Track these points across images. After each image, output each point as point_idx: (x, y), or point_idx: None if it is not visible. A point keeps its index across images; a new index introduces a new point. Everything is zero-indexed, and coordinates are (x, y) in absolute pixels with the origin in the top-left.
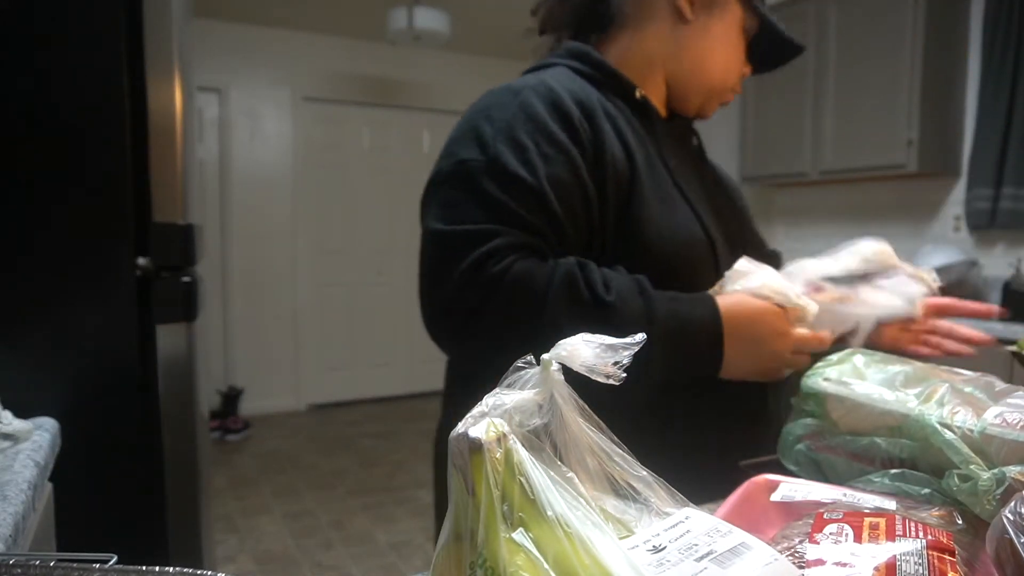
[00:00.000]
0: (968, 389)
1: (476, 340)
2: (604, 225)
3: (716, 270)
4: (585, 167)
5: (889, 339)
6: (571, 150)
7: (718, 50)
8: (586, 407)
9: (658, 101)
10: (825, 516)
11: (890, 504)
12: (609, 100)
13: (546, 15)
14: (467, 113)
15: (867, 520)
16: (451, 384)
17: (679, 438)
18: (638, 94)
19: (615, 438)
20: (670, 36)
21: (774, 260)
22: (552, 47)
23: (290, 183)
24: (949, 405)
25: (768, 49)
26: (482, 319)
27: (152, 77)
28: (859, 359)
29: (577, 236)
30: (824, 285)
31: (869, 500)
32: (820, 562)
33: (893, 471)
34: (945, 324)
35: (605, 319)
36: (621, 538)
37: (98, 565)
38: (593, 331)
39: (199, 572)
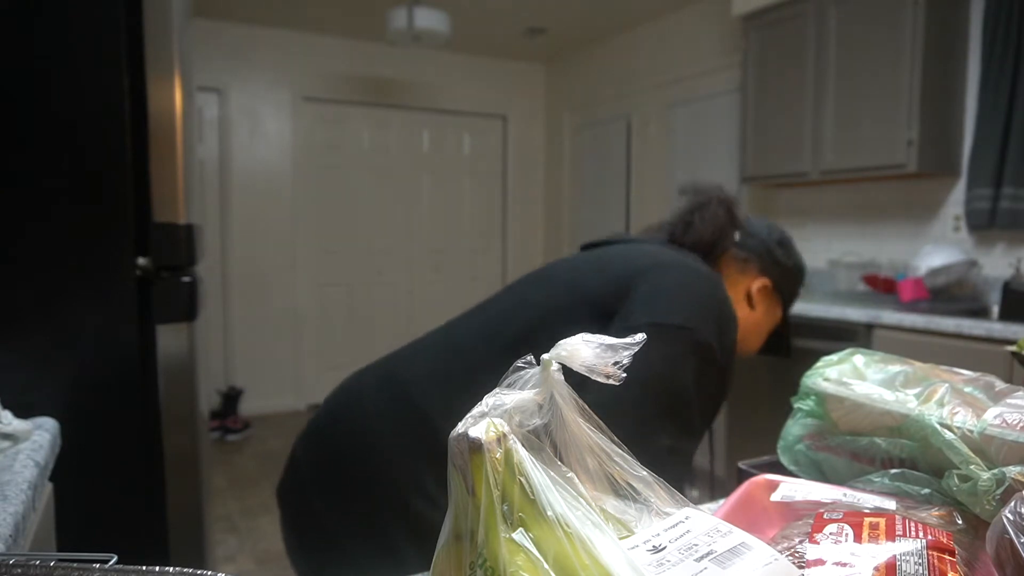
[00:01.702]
0: (968, 389)
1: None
2: None
3: None
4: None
5: None
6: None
7: (758, 334)
8: (586, 407)
9: None
10: (825, 516)
11: (890, 504)
12: None
13: (669, 236)
14: (709, 293)
15: (867, 520)
16: None
17: None
18: None
19: (615, 438)
20: (738, 310)
21: None
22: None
23: (290, 183)
24: (949, 405)
25: (771, 343)
26: None
27: (152, 77)
28: (859, 359)
29: None
30: None
31: (869, 500)
32: (820, 562)
33: (893, 471)
34: None
35: None
36: (621, 538)
37: (98, 565)
38: None
39: (199, 572)
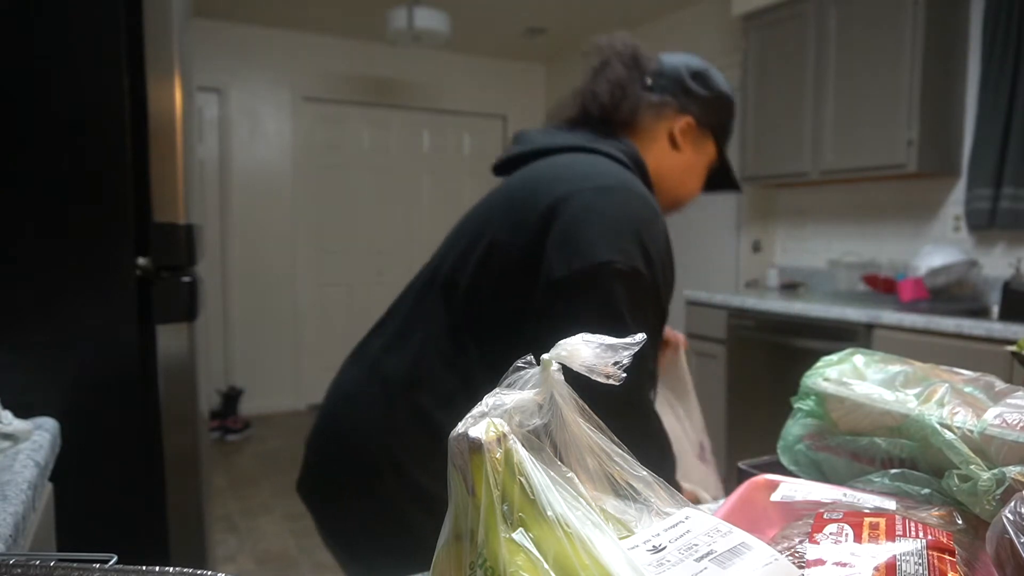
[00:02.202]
0: (968, 389)
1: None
2: None
3: None
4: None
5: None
6: (671, 289)
7: (693, 176)
8: (586, 407)
9: None
10: (825, 516)
11: (890, 504)
12: None
13: (584, 102)
14: (619, 214)
15: (867, 520)
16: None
17: None
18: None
19: (615, 438)
20: (663, 156)
21: None
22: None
23: (290, 183)
24: (949, 405)
25: (716, 180)
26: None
27: (152, 77)
28: (859, 359)
29: None
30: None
31: (869, 500)
32: (820, 562)
33: (893, 471)
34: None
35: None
36: (621, 538)
37: (98, 565)
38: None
39: (199, 572)
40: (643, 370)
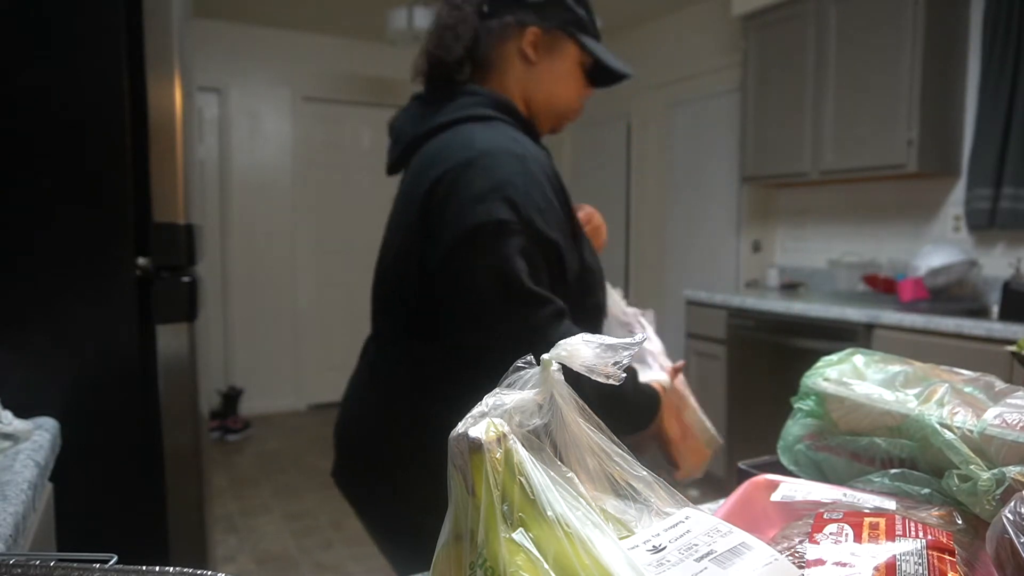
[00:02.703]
0: (968, 389)
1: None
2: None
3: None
4: (568, 225)
5: None
6: (562, 215)
7: (561, 84)
8: (586, 407)
9: None
10: (825, 516)
11: (890, 504)
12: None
13: (429, 65)
14: (482, 176)
15: (867, 520)
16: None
17: None
18: (543, 145)
19: (615, 438)
20: (524, 76)
21: None
22: (427, 78)
23: (290, 183)
24: (949, 405)
25: (603, 74)
26: None
27: (152, 77)
28: (859, 359)
29: (571, 278)
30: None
31: (869, 500)
32: (820, 562)
33: (893, 471)
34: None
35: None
36: (621, 538)
37: (98, 565)
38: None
39: (199, 572)
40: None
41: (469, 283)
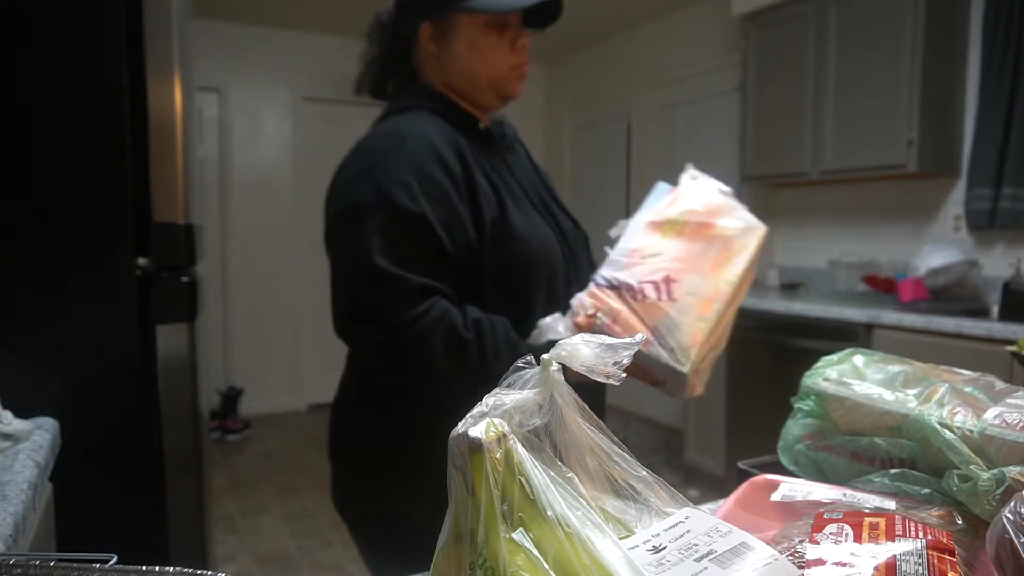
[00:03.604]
0: (968, 389)
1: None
2: (482, 242)
3: (568, 258)
4: (460, 198)
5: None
6: (447, 186)
7: (472, 58)
8: (586, 407)
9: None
10: (825, 516)
11: (890, 504)
12: (463, 135)
13: (371, 81)
14: (358, 159)
15: (867, 520)
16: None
17: None
18: (481, 125)
19: (615, 438)
20: (437, 68)
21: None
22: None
23: (290, 183)
24: (949, 405)
25: (532, 16)
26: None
27: (152, 77)
28: (859, 359)
29: (457, 252)
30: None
31: (869, 500)
32: (820, 562)
33: (893, 471)
34: None
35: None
36: (621, 538)
37: (98, 565)
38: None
39: (199, 572)
40: (348, 287)
41: (335, 272)
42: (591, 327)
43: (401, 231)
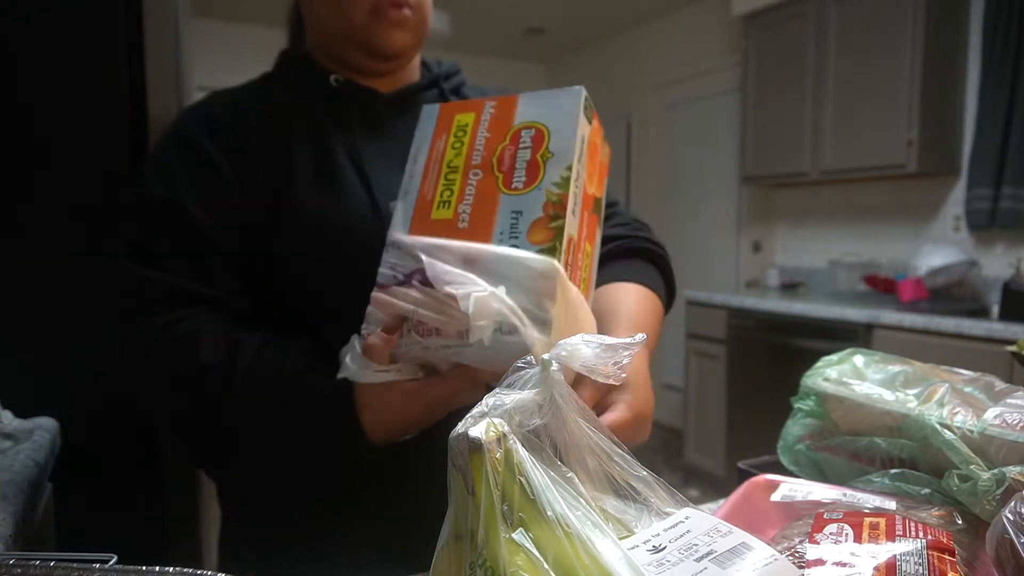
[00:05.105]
0: (968, 389)
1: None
2: (256, 218)
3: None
4: (231, 167)
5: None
6: (212, 154)
7: (323, 6)
8: (586, 407)
9: (365, 74)
10: (825, 516)
11: (890, 504)
12: (295, 94)
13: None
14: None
15: (867, 520)
16: None
17: None
18: (333, 81)
19: (615, 438)
20: (308, 30)
21: None
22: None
23: None
24: (949, 405)
25: None
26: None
27: (152, 77)
28: (859, 359)
29: (226, 229)
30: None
31: (869, 500)
32: (820, 562)
33: (893, 471)
34: None
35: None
36: (621, 538)
37: (98, 565)
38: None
39: (199, 572)
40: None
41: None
42: (392, 345)
43: (159, 223)
